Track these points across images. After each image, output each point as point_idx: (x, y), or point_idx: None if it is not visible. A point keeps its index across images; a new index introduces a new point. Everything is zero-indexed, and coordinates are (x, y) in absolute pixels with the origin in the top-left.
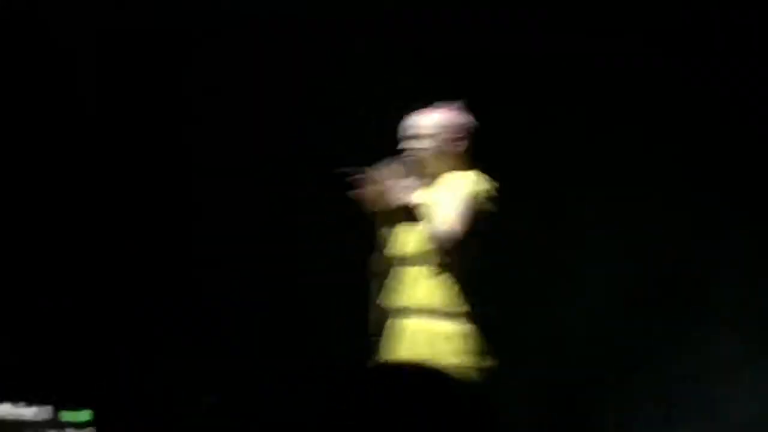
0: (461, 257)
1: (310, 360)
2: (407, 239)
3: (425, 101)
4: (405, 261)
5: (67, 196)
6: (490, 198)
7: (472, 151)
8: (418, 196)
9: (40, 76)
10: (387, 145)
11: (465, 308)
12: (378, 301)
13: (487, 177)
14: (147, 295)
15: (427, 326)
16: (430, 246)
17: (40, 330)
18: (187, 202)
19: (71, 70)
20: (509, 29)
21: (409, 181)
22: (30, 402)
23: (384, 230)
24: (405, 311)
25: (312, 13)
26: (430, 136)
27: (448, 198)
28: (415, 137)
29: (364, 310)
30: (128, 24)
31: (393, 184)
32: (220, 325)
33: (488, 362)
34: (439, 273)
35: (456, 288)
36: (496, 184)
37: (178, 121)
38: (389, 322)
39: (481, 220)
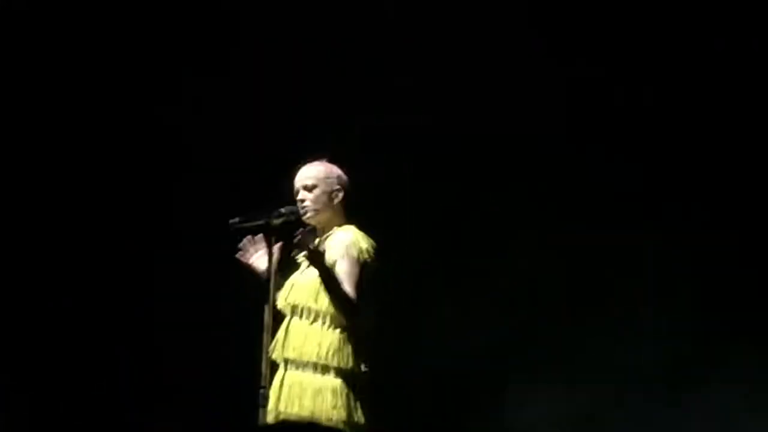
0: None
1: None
2: (297, 292)
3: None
4: (295, 312)
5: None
6: (372, 256)
7: (348, 203)
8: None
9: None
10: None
11: (353, 364)
12: (268, 353)
13: (364, 233)
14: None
15: (313, 380)
16: (334, 308)
17: None
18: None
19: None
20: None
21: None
22: None
23: (272, 283)
24: (292, 364)
25: None
26: (318, 186)
27: (344, 265)
28: (305, 188)
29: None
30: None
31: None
32: None
33: (363, 421)
34: (330, 327)
35: (346, 344)
36: (373, 242)
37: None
38: (277, 374)
39: (369, 279)
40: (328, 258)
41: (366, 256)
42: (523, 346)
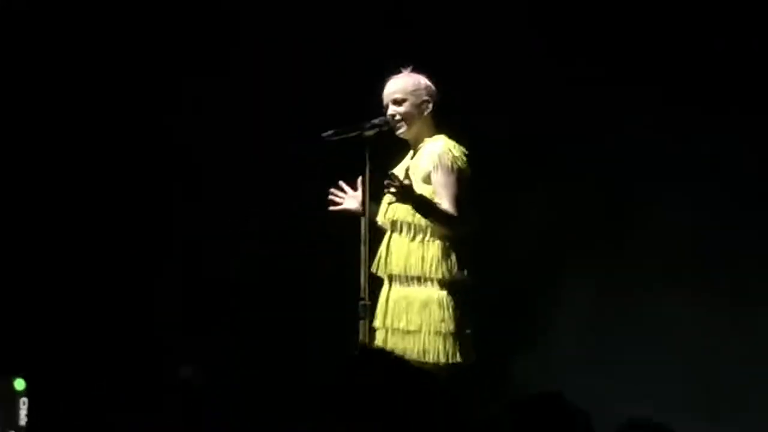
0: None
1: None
2: (395, 207)
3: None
4: (395, 228)
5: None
6: (465, 163)
7: (437, 112)
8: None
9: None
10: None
11: (457, 275)
12: (369, 268)
13: (455, 141)
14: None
15: (418, 293)
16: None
17: None
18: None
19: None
20: None
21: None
22: None
23: (366, 198)
24: (396, 279)
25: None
26: (407, 99)
27: (439, 176)
28: (394, 101)
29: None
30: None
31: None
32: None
33: (469, 332)
34: (431, 240)
35: (449, 255)
36: (464, 149)
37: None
38: (382, 289)
39: (465, 186)
40: (422, 170)
41: (459, 163)
42: None
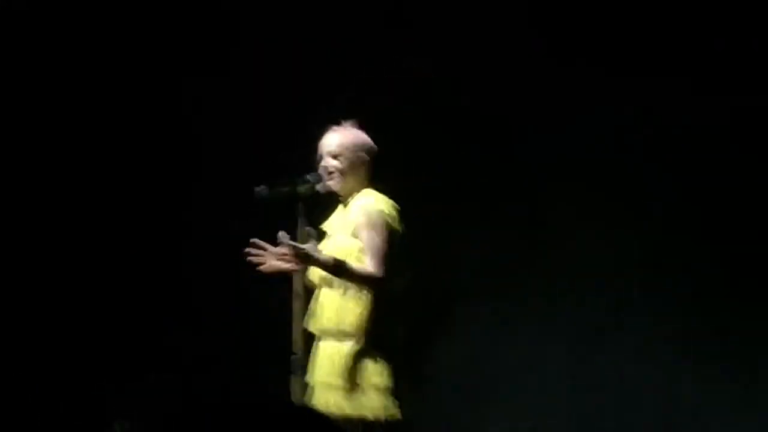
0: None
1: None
2: None
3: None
4: (326, 283)
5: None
6: (395, 219)
7: (373, 169)
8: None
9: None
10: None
11: (390, 332)
12: (299, 321)
13: (388, 197)
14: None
15: (348, 349)
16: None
17: None
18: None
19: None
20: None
21: (310, 246)
22: None
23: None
24: (328, 334)
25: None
26: (343, 155)
27: (366, 234)
28: (330, 155)
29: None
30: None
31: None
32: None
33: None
34: (363, 295)
35: (382, 310)
36: (397, 205)
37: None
38: (314, 345)
39: (394, 243)
40: (351, 224)
41: (387, 218)
42: None
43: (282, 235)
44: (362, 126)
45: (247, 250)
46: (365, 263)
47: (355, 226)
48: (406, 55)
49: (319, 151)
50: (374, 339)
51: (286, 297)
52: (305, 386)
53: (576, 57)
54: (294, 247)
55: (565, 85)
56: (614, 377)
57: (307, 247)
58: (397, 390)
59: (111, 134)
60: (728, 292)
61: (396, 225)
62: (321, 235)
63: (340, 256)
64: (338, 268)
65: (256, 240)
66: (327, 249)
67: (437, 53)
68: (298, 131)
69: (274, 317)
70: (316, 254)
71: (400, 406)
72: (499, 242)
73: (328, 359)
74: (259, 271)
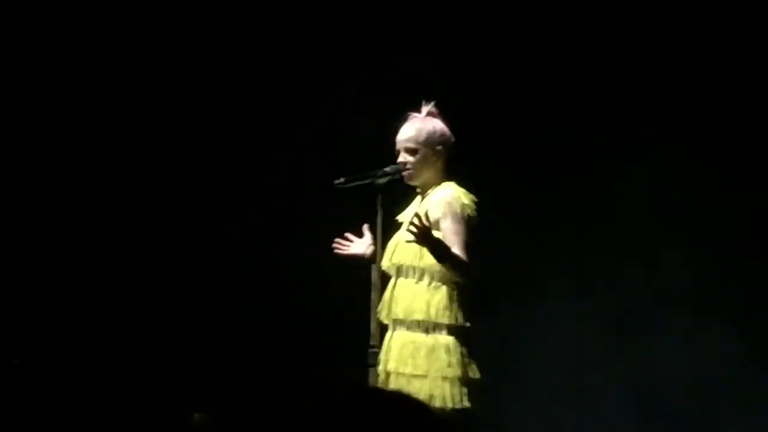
0: (443, 271)
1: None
2: (401, 251)
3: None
4: (401, 272)
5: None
6: (473, 210)
7: (450, 158)
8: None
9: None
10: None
11: (462, 320)
12: (376, 313)
13: (465, 188)
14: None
15: (425, 339)
16: (447, 270)
17: None
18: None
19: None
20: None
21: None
22: None
23: (378, 242)
24: (401, 324)
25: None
26: (419, 150)
27: (448, 224)
28: (406, 150)
29: (364, 321)
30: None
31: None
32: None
33: (479, 376)
34: (436, 285)
35: (455, 300)
36: (475, 197)
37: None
38: (387, 335)
39: (473, 234)
40: (431, 217)
41: (468, 210)
42: None
43: (367, 227)
44: (439, 113)
45: (336, 240)
46: None
47: (436, 218)
48: (406, 55)
49: (397, 146)
50: (449, 330)
51: (355, 290)
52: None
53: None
54: (421, 221)
55: (564, 85)
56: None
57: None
58: (469, 382)
59: (111, 133)
60: None
61: (474, 216)
62: (396, 227)
63: (417, 245)
64: (444, 250)
65: (347, 234)
66: (405, 239)
67: (437, 53)
68: (297, 131)
69: (345, 310)
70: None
71: (472, 398)
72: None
73: (403, 349)
74: (338, 255)
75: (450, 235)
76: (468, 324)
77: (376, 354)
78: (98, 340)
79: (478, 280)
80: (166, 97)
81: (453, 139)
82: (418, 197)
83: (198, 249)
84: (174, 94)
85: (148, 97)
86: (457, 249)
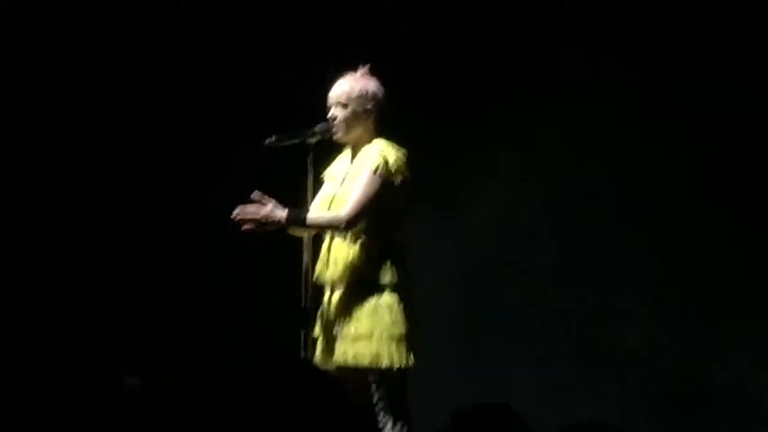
0: (378, 228)
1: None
2: (334, 208)
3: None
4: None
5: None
6: (400, 167)
7: (381, 118)
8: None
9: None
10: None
11: (402, 279)
12: (308, 274)
13: (396, 144)
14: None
15: (362, 299)
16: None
17: None
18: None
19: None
20: None
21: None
22: None
23: (309, 203)
24: (339, 283)
25: None
26: (350, 105)
27: (361, 179)
28: (337, 105)
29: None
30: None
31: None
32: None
33: (417, 335)
34: (361, 244)
35: (393, 258)
36: (405, 151)
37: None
38: (325, 295)
39: (392, 191)
40: (358, 176)
41: (385, 171)
42: None
43: (255, 194)
44: (374, 73)
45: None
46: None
47: (360, 172)
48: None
49: (329, 101)
50: (390, 287)
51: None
52: (316, 340)
53: None
54: (250, 217)
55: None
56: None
57: (266, 210)
58: (411, 338)
59: (110, 133)
60: None
61: (401, 173)
62: (320, 182)
63: (339, 204)
64: (303, 223)
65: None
66: (340, 195)
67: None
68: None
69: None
70: (275, 216)
71: (415, 355)
72: None
73: (343, 310)
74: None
75: (357, 186)
76: (408, 281)
77: (310, 316)
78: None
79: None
80: (165, 94)
81: (385, 99)
82: (348, 153)
83: (139, 218)
84: (174, 92)
85: (146, 95)
86: (349, 202)
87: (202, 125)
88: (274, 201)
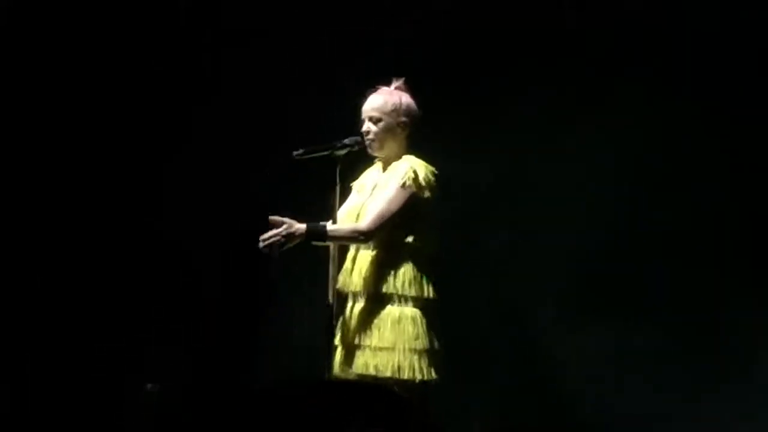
0: (405, 241)
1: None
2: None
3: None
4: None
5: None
6: (429, 182)
7: (414, 134)
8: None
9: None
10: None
11: (428, 295)
12: (334, 285)
13: (425, 162)
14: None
15: (391, 310)
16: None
17: None
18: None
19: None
20: None
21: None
22: None
23: (335, 214)
24: (362, 294)
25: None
26: (383, 120)
27: (387, 192)
28: (369, 119)
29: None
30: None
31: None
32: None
33: (440, 348)
34: (400, 257)
35: (420, 272)
36: (434, 169)
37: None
38: (347, 305)
39: (420, 205)
40: (387, 187)
41: (414, 186)
42: None
43: (271, 219)
44: (408, 87)
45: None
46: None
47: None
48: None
49: (362, 115)
50: (414, 301)
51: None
52: (337, 349)
53: None
54: (276, 233)
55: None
56: None
57: (285, 227)
58: (434, 353)
59: (111, 132)
60: None
61: (429, 188)
62: (348, 191)
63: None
64: (324, 236)
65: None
66: (369, 207)
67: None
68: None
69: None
70: (292, 231)
71: (437, 369)
72: None
73: (365, 321)
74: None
75: (382, 198)
76: (435, 297)
77: (334, 326)
78: (53, 310)
79: (439, 253)
80: (164, 94)
81: (419, 114)
82: (379, 167)
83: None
84: (173, 92)
85: (145, 94)
86: (371, 213)
87: (206, 131)
88: (289, 219)
